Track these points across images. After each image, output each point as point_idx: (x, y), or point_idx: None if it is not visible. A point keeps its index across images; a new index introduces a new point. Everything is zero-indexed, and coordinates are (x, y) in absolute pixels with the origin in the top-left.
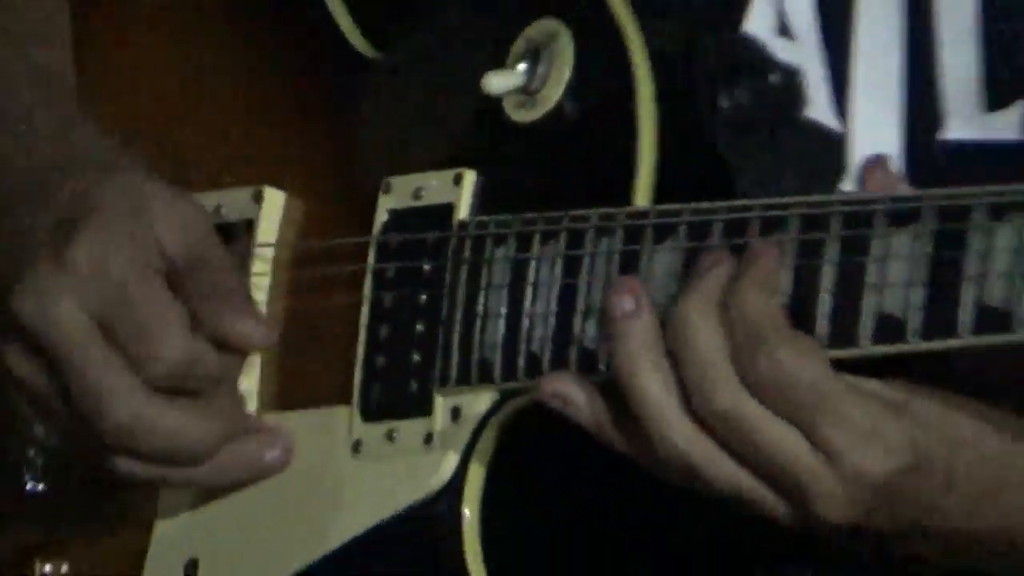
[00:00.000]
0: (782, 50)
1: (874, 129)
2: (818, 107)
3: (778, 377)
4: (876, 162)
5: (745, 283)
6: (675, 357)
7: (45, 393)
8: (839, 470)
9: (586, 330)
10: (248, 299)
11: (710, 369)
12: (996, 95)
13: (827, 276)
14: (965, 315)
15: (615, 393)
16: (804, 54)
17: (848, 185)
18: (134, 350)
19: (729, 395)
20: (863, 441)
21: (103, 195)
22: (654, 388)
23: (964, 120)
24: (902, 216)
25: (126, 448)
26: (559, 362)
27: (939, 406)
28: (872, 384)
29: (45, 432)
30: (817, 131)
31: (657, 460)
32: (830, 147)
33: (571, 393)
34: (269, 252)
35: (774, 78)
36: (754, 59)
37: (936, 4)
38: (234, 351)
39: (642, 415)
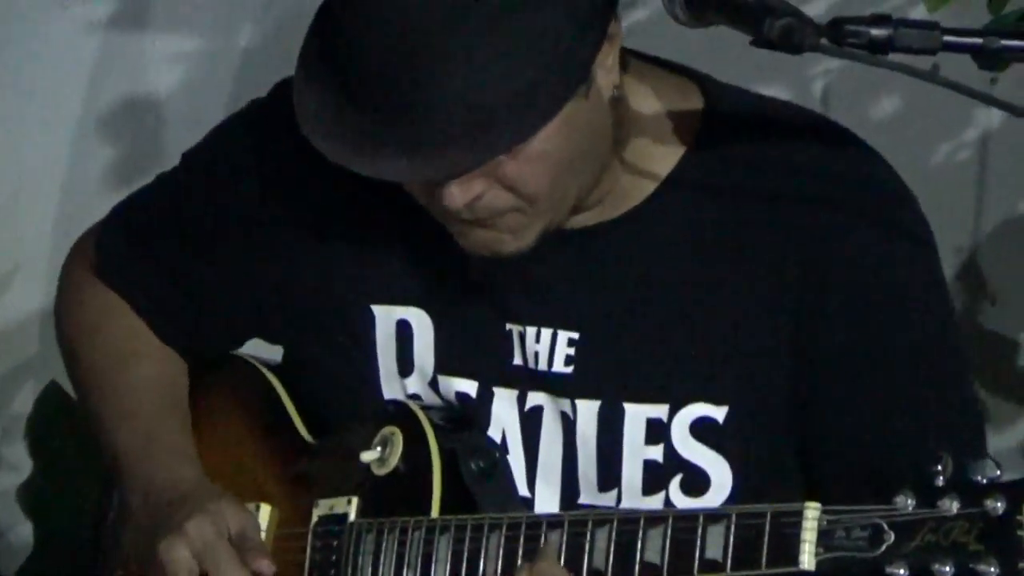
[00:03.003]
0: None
1: (546, 499)
2: (520, 486)
3: None
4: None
5: (543, 557)
6: None
7: None
8: None
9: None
10: (266, 552)
11: None
12: (604, 483)
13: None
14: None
15: None
16: (513, 459)
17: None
18: (214, 572)
19: None
20: None
21: (197, 503)
22: None
23: (590, 495)
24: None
25: None
26: None
27: None
28: None
29: None
30: (520, 499)
31: None
32: (527, 505)
33: None
34: (263, 535)
35: (499, 456)
36: (490, 448)
37: (577, 433)
38: None
39: None
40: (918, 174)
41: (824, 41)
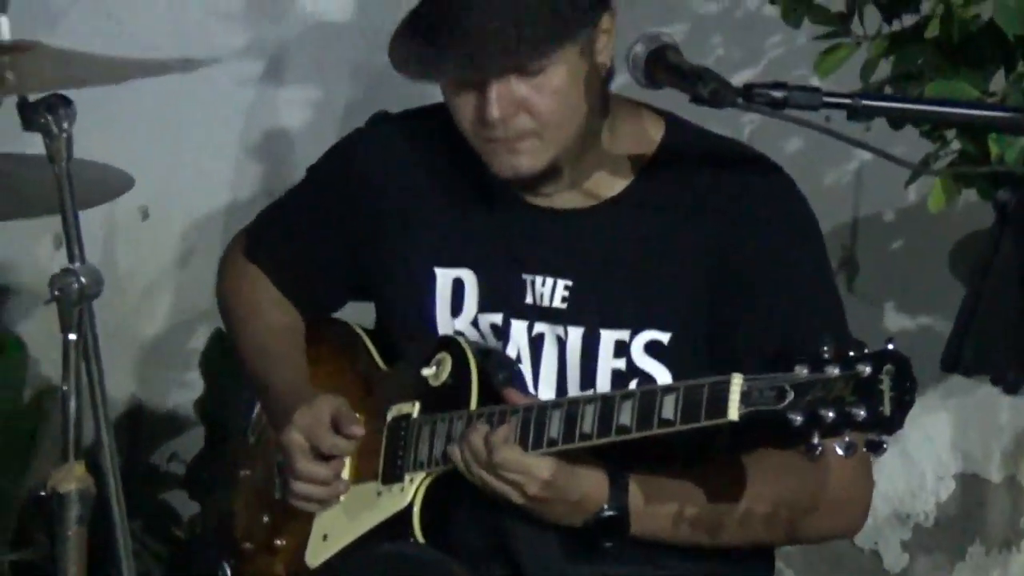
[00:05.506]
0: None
1: (544, 397)
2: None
3: (505, 463)
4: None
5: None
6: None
7: (283, 470)
8: (530, 490)
9: (438, 450)
10: (356, 419)
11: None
12: (584, 385)
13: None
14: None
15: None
16: (523, 369)
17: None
18: (316, 443)
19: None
20: (534, 482)
21: (303, 401)
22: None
23: (574, 393)
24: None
25: (304, 482)
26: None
27: (564, 468)
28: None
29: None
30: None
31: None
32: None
33: (453, 451)
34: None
35: (516, 368)
36: (510, 363)
37: (568, 351)
38: (347, 449)
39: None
40: (815, 193)
41: (740, 100)
